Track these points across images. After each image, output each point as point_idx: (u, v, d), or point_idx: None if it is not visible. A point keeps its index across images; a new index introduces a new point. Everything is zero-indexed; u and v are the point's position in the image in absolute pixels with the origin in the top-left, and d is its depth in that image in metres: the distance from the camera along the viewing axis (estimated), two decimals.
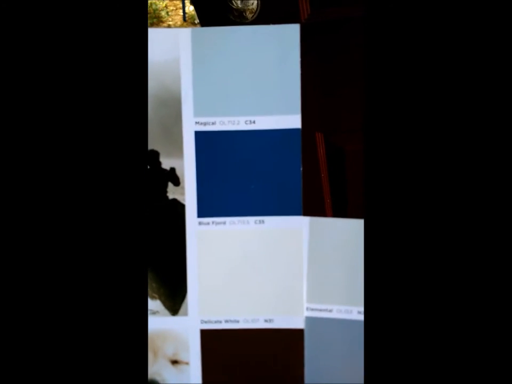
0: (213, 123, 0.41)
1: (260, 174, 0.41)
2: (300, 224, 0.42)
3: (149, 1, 2.85)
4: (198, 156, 0.41)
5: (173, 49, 0.40)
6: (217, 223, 0.42)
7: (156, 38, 0.40)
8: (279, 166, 0.41)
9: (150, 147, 0.41)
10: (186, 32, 0.40)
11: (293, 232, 0.42)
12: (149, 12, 2.87)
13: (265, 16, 0.74)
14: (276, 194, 0.41)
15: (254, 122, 0.41)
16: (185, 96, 0.41)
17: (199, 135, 0.41)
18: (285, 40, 0.39)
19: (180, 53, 0.40)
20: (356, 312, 0.42)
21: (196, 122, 0.41)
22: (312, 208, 0.42)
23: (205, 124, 0.41)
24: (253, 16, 0.78)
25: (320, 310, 0.43)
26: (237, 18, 0.75)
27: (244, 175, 0.41)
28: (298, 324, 0.43)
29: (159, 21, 2.84)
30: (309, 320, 0.43)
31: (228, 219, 0.42)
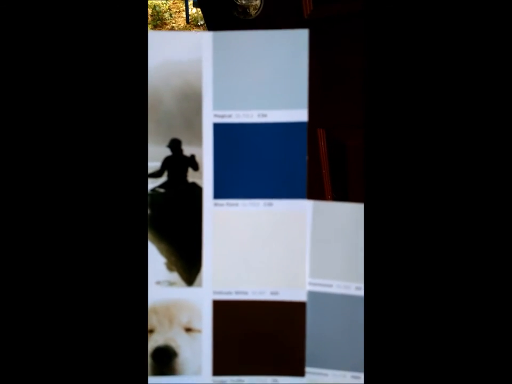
0: (230, 116, 0.46)
1: (269, 161, 0.47)
2: (304, 207, 0.47)
3: (152, 4, 2.90)
4: (215, 145, 0.47)
5: (196, 50, 0.45)
6: (231, 204, 0.47)
7: (181, 40, 0.45)
8: (287, 155, 0.46)
9: (173, 136, 0.47)
10: (208, 35, 0.45)
11: (298, 213, 0.47)
12: (152, 14, 2.92)
13: (269, 13, 0.75)
14: (283, 180, 0.47)
15: (265, 115, 0.46)
16: (206, 92, 0.46)
17: (217, 126, 0.46)
18: (294, 43, 0.45)
19: (202, 54, 0.45)
20: (353, 287, 0.47)
21: (215, 115, 0.46)
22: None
23: (222, 116, 0.46)
24: (256, 12, 0.79)
25: (321, 285, 0.48)
26: (240, 14, 0.77)
27: (256, 162, 0.47)
28: (301, 296, 0.48)
29: (162, 23, 2.88)
30: (311, 294, 0.48)
31: (240, 201, 0.47)
